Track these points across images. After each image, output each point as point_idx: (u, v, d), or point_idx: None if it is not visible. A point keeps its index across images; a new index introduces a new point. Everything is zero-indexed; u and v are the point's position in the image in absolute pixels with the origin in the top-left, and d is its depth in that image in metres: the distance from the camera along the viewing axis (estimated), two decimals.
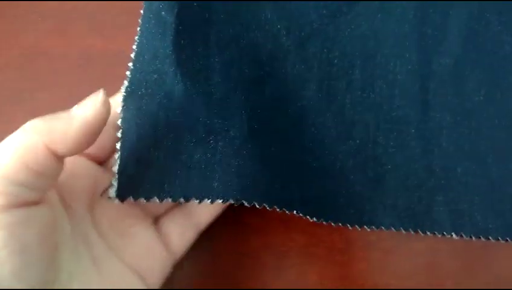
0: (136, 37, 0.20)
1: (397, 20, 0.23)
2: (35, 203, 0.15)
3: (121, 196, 0.17)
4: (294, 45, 0.22)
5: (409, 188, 0.22)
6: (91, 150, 0.17)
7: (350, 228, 0.21)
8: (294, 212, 0.19)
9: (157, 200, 0.17)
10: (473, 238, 0.22)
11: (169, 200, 0.18)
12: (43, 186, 0.15)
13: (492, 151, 0.23)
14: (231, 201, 0.18)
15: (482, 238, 0.22)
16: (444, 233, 0.21)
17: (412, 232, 0.22)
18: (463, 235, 0.21)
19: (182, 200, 0.18)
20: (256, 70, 0.21)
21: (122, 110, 0.18)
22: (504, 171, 0.22)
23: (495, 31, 0.23)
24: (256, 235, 0.22)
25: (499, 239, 0.22)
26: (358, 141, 0.22)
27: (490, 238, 0.21)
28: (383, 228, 0.21)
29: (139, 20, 0.20)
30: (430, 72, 0.23)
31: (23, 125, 0.15)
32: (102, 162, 0.19)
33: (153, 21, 0.20)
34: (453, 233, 0.21)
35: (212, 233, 0.22)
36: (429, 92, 0.23)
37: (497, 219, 0.22)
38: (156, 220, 0.20)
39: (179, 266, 0.21)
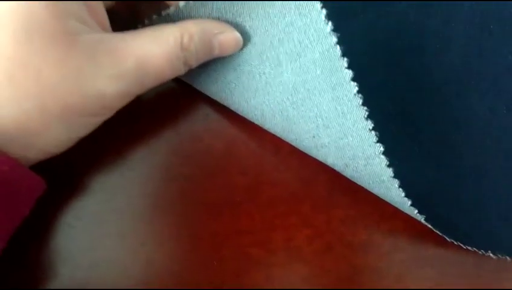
0: None
1: (397, 32, 0.23)
2: None
3: None
4: None
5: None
6: None
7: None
8: None
9: None
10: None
11: None
12: None
13: (497, 166, 0.22)
14: None
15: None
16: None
17: None
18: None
19: None
20: None
21: None
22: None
23: (498, 42, 0.23)
24: (258, 267, 0.21)
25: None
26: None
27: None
28: None
29: None
30: (433, 84, 0.22)
31: None
32: None
33: None
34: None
35: (213, 265, 0.21)
36: (433, 104, 0.22)
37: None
38: None
39: None
